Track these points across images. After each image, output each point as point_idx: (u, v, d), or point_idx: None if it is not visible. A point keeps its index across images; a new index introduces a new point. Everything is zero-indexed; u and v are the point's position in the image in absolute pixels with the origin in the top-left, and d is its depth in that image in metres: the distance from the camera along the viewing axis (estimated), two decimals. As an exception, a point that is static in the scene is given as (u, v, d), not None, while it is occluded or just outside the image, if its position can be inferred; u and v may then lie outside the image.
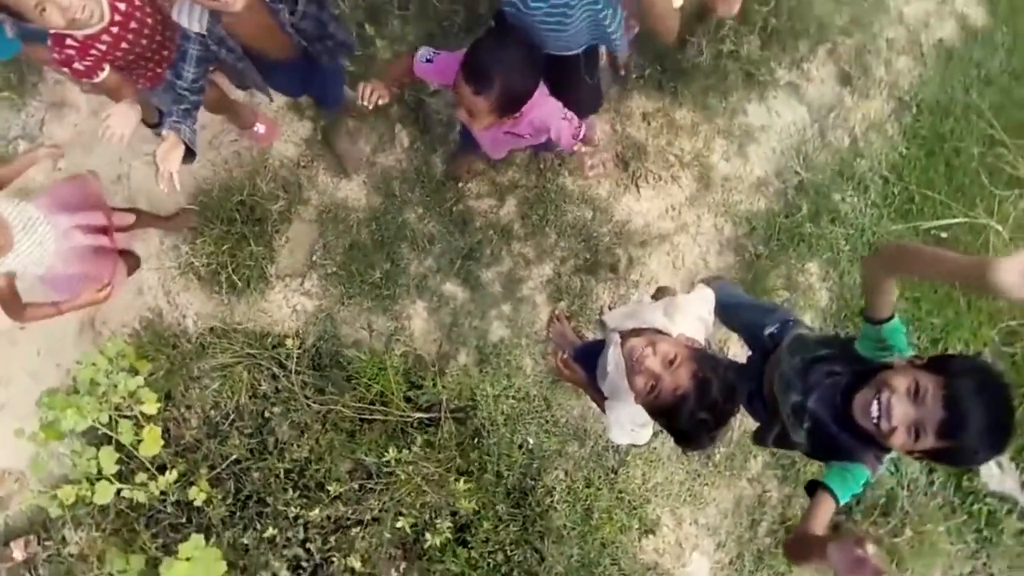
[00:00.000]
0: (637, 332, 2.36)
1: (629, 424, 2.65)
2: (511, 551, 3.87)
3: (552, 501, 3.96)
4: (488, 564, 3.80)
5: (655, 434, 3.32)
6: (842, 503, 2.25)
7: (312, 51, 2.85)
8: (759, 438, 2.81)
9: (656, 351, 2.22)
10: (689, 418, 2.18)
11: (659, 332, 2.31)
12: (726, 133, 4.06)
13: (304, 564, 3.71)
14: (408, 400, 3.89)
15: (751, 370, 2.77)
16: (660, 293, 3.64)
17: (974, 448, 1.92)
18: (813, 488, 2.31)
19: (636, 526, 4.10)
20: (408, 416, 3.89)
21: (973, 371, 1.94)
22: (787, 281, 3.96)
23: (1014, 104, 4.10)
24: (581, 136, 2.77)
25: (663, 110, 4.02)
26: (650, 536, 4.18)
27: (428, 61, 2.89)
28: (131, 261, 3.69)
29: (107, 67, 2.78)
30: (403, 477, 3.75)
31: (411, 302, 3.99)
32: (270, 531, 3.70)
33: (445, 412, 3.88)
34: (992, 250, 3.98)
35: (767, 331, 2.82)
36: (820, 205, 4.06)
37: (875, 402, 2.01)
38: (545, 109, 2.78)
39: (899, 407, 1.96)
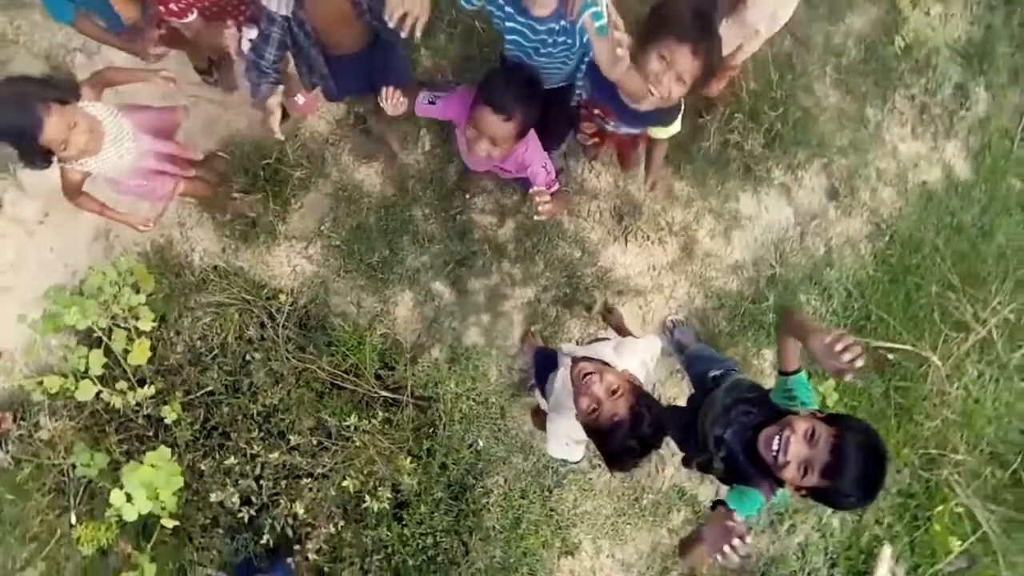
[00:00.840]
0: (588, 359, 2.83)
1: (565, 438, 3.15)
2: (440, 537, 4.32)
3: (487, 502, 4.43)
4: (417, 544, 4.27)
5: (593, 467, 4.25)
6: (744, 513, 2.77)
7: (381, 31, 3.19)
8: (686, 461, 3.38)
9: (603, 379, 2.68)
10: (620, 442, 2.65)
11: (607, 364, 2.81)
12: (716, 214, 4.64)
13: (253, 499, 4.13)
14: (378, 377, 4.36)
15: (691, 406, 3.35)
16: (611, 317, 4.32)
17: (847, 492, 2.41)
18: (715, 506, 2.87)
19: (558, 545, 4.57)
20: (375, 392, 4.31)
21: (861, 431, 2.44)
22: (742, 360, 4.48)
23: (976, 257, 4.76)
24: (553, 188, 3.30)
25: (665, 178, 4.49)
26: (568, 557, 4.64)
27: (431, 103, 3.37)
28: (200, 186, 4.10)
29: (195, 12, 3.28)
30: (358, 444, 4.18)
31: (400, 290, 4.50)
32: (230, 461, 4.10)
33: (409, 397, 4.32)
34: (929, 382, 4.66)
35: (711, 374, 3.39)
36: (786, 300, 4.61)
37: (777, 438, 2.48)
38: (533, 151, 3.32)
39: (795, 446, 2.44)
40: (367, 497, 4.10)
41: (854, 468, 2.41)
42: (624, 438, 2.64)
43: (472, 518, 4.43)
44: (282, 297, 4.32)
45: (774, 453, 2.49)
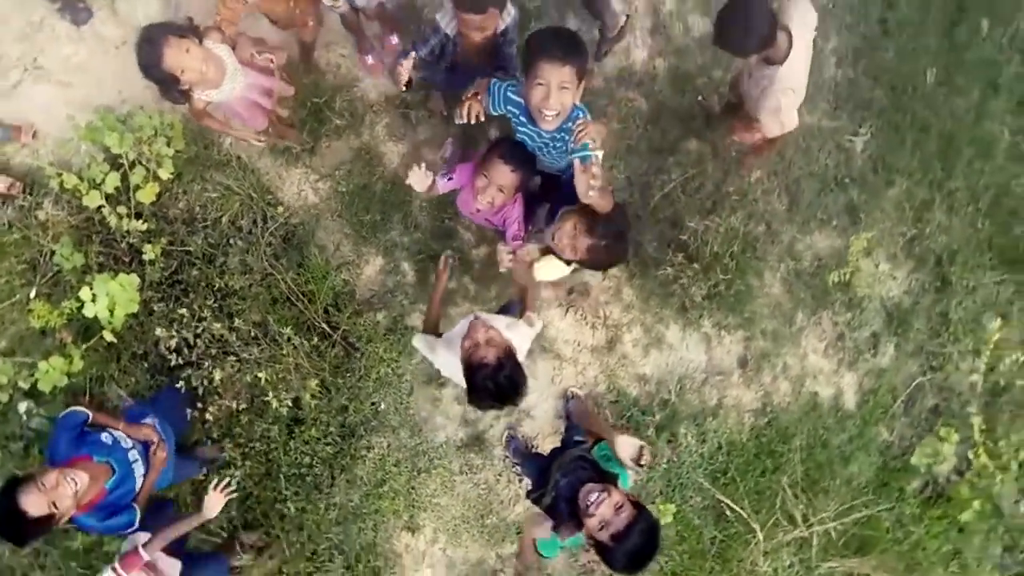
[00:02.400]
0: (486, 321, 4.03)
1: (437, 357, 4.27)
2: (317, 462, 5.54)
3: (366, 455, 5.71)
4: (295, 457, 5.50)
5: (460, 471, 5.60)
6: (544, 555, 4.01)
7: (507, 51, 4.55)
8: (528, 494, 4.68)
9: (487, 332, 3.80)
10: (481, 380, 3.69)
11: (496, 329, 4.08)
12: (646, 328, 5.97)
13: (185, 351, 5.29)
14: (325, 311, 5.64)
15: (551, 455, 4.58)
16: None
17: (621, 558, 3.41)
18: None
19: (406, 519, 5.78)
20: (317, 321, 5.54)
21: (651, 523, 3.47)
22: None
23: (828, 473, 5.98)
24: (516, 244, 4.61)
25: (619, 278, 5.86)
26: (409, 533, 5.79)
27: (449, 179, 4.67)
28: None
29: None
30: (285, 352, 5.41)
31: (375, 253, 5.80)
32: (181, 312, 5.31)
33: (341, 339, 5.58)
34: (748, 550, 5.76)
35: (577, 438, 4.61)
36: (667, 426, 5.88)
37: (596, 493, 3.49)
38: (517, 208, 4.67)
39: (605, 506, 3.45)
40: (272, 395, 5.30)
41: (634, 543, 3.42)
42: (484, 378, 3.72)
43: (348, 461, 5.69)
44: (280, 208, 5.71)
45: (589, 503, 3.51)
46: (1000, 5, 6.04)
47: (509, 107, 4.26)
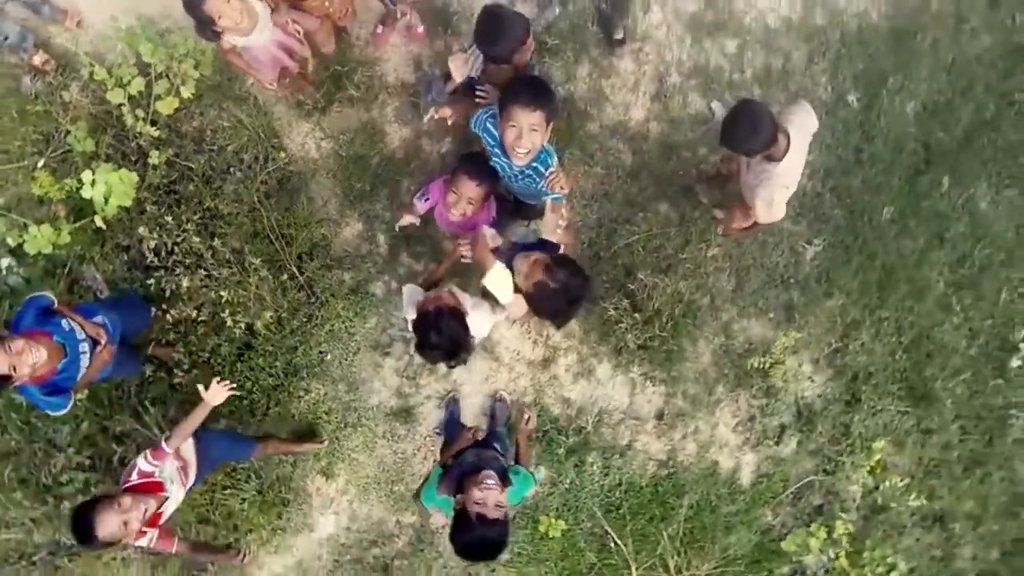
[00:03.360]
0: (451, 291, 4.68)
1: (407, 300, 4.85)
2: (256, 389, 6.03)
3: (302, 396, 6.17)
4: (237, 379, 5.90)
5: (383, 435, 6.19)
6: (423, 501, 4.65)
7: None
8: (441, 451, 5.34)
9: (441, 298, 4.38)
10: (424, 325, 4.27)
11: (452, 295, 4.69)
12: (580, 358, 6.43)
13: (163, 255, 5.79)
14: (299, 257, 6.15)
15: (475, 444, 4.95)
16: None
17: (464, 539, 3.95)
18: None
19: (323, 464, 6.22)
20: (288, 263, 6.05)
21: (503, 535, 4.00)
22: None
23: (710, 536, 6.38)
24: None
25: None
26: (323, 478, 6.26)
27: (426, 199, 5.22)
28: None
29: None
30: (251, 280, 5.91)
31: (356, 219, 6.31)
32: (168, 219, 5.82)
33: (307, 284, 6.06)
34: None
35: (498, 430, 5.47)
36: (578, 451, 6.32)
37: (493, 480, 4.04)
38: (486, 213, 5.17)
39: (491, 495, 4.01)
40: (229, 315, 5.81)
41: (485, 535, 3.95)
42: (429, 327, 4.26)
43: (285, 396, 6.17)
44: (282, 153, 6.19)
45: (484, 481, 4.05)
46: (963, 169, 6.55)
47: (486, 135, 4.70)
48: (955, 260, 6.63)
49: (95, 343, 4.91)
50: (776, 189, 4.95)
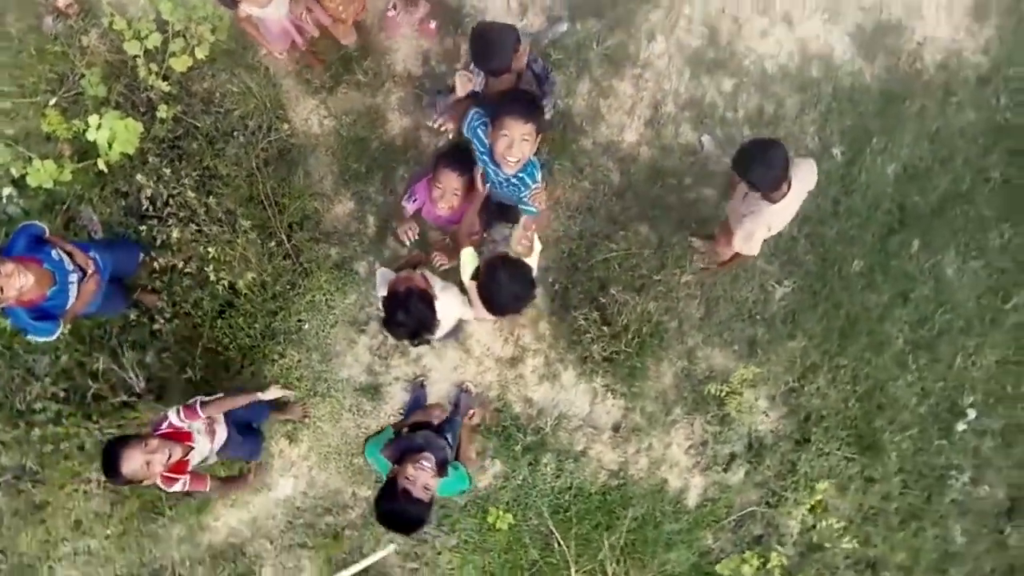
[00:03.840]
0: (422, 274, 4.93)
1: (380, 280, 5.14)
2: (232, 347, 6.26)
3: (277, 359, 6.39)
4: (216, 335, 6.22)
5: (349, 409, 6.42)
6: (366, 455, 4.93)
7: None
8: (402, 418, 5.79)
9: (412, 279, 4.67)
10: (392, 305, 4.55)
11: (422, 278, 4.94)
12: (547, 362, 6.61)
13: (156, 204, 6.09)
14: (289, 226, 6.37)
15: (435, 426, 5.13)
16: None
17: (387, 508, 4.28)
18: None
19: (288, 428, 6.47)
20: (279, 231, 6.28)
21: (419, 514, 4.30)
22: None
23: (650, 552, 6.58)
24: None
25: (540, 311, 6.54)
26: (287, 441, 6.50)
27: (414, 200, 5.35)
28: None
29: None
30: (239, 241, 6.13)
31: (349, 199, 6.52)
32: (166, 171, 6.06)
33: (294, 254, 6.28)
34: None
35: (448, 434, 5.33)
36: (534, 449, 6.52)
37: (429, 463, 4.34)
38: (470, 207, 5.30)
39: (423, 476, 4.30)
40: (213, 271, 6.00)
41: (401, 509, 4.27)
42: (396, 303, 4.54)
43: (260, 357, 6.39)
44: (285, 125, 6.45)
45: (420, 462, 4.33)
46: (934, 235, 6.76)
47: (476, 142, 4.92)
48: (916, 320, 6.83)
49: (84, 275, 5.14)
50: (759, 226, 5.23)
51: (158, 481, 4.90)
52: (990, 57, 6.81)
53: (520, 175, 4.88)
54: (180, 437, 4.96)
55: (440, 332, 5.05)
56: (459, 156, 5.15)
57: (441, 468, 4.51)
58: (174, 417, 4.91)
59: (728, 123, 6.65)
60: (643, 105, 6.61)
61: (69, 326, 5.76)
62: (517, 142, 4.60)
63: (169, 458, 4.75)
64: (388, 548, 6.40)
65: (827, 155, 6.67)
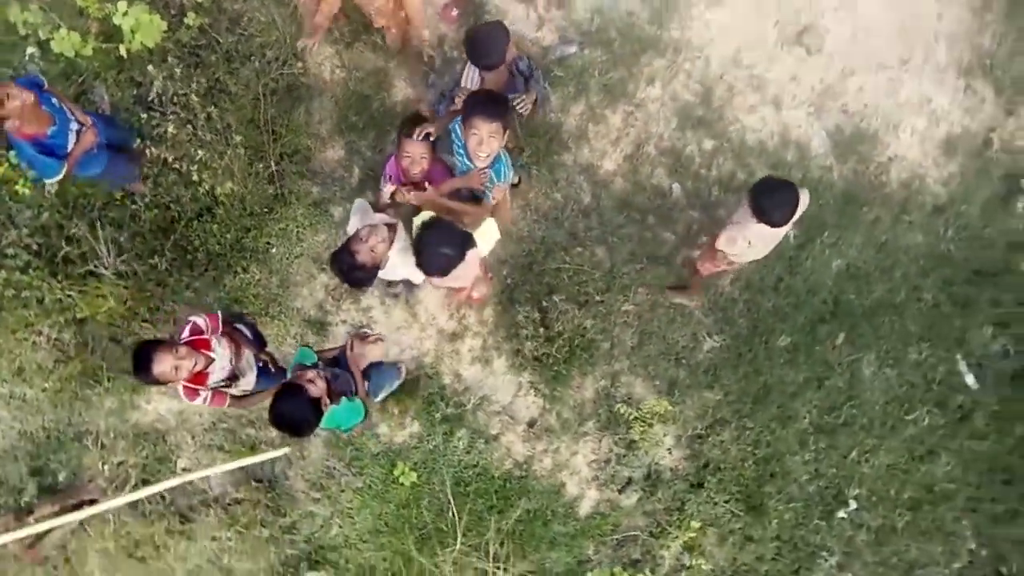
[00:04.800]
0: (394, 234, 5.36)
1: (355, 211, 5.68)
2: (200, 250, 6.69)
3: (239, 273, 6.82)
4: (189, 235, 6.69)
5: (294, 338, 6.84)
6: None
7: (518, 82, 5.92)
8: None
9: (379, 243, 5.13)
10: (343, 256, 5.11)
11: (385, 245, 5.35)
12: (483, 346, 6.94)
13: (162, 100, 6.55)
14: (281, 156, 6.80)
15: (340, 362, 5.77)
16: None
17: (277, 407, 4.85)
18: None
19: None
20: (269, 157, 6.72)
21: (306, 418, 4.91)
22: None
23: (533, 543, 6.92)
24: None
25: (490, 300, 6.90)
26: None
27: (388, 179, 5.72)
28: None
29: None
30: (229, 153, 6.53)
31: (342, 147, 6.95)
32: (179, 70, 6.45)
33: (279, 178, 6.72)
34: (445, 554, 6.66)
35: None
36: (451, 421, 6.85)
37: (312, 374, 5.01)
38: (438, 169, 5.76)
39: (314, 380, 4.96)
40: (197, 173, 6.35)
41: (287, 406, 4.81)
42: (345, 259, 5.08)
43: (224, 267, 6.81)
44: (299, 64, 6.91)
45: (303, 374, 4.99)
46: (860, 334, 7.08)
47: (454, 136, 5.42)
48: (825, 406, 7.12)
49: (82, 128, 5.55)
50: (740, 237, 5.70)
51: (181, 392, 5.27)
52: (948, 190, 7.21)
53: (488, 170, 5.40)
54: (200, 344, 5.26)
55: (391, 287, 5.68)
56: (416, 121, 5.52)
57: (336, 396, 5.09)
58: (199, 320, 5.25)
59: (700, 179, 7.02)
60: (627, 140, 7.00)
61: (55, 187, 6.18)
62: (486, 139, 5.13)
63: (195, 365, 5.07)
64: (281, 451, 6.59)
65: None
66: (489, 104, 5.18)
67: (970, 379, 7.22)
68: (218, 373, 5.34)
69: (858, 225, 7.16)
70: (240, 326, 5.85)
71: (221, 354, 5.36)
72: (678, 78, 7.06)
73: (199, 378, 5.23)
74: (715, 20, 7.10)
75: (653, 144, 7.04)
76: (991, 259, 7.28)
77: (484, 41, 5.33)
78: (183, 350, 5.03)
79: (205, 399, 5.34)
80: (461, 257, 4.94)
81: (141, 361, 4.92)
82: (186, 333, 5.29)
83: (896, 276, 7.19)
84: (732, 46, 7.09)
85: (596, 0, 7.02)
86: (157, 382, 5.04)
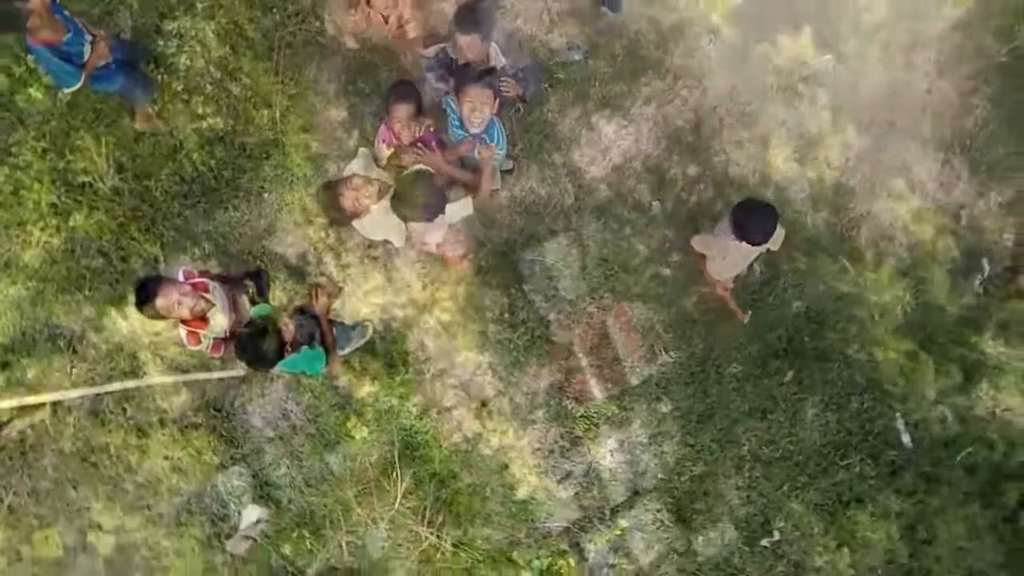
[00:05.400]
0: (381, 187, 5.57)
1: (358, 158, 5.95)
2: (196, 181, 6.97)
3: (228, 210, 7.04)
4: (190, 164, 6.90)
5: (274, 280, 6.95)
6: None
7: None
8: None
9: (366, 195, 5.42)
10: (331, 200, 5.48)
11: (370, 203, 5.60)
12: (453, 322, 7.13)
13: (182, 38, 6.84)
14: (283, 111, 6.99)
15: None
16: None
17: (240, 343, 5.23)
18: None
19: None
20: (275, 105, 6.93)
21: (261, 351, 5.23)
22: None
23: (468, 515, 7.12)
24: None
25: (467, 277, 7.14)
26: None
27: (383, 142, 5.98)
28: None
29: None
30: (237, 95, 6.95)
31: (344, 109, 7.16)
32: (198, 5, 6.82)
33: (280, 126, 6.94)
34: (385, 507, 6.89)
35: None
36: (406, 386, 7.07)
37: (299, 318, 5.54)
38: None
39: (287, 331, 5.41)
40: (202, 105, 6.76)
41: (252, 344, 5.13)
42: (331, 200, 5.43)
43: (217, 201, 7.02)
44: (317, 23, 7.13)
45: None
46: (808, 376, 7.21)
47: (449, 110, 5.85)
48: (765, 438, 7.29)
49: (96, 39, 5.74)
50: (718, 249, 6.20)
51: (184, 336, 5.50)
52: (913, 256, 7.43)
53: (483, 136, 5.78)
54: (200, 287, 5.47)
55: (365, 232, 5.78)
56: (401, 91, 5.85)
57: (298, 344, 5.36)
58: (190, 265, 5.66)
59: (680, 201, 7.24)
60: (616, 151, 7.22)
61: (68, 96, 6.43)
62: (479, 105, 5.56)
63: (194, 307, 5.31)
64: (236, 372, 6.80)
65: (751, 268, 7.18)
66: (478, 75, 5.55)
67: (906, 438, 7.40)
68: (218, 318, 5.53)
69: (823, 273, 7.33)
70: (247, 281, 5.97)
71: (220, 298, 5.54)
72: (673, 103, 7.30)
73: (200, 323, 5.43)
74: (717, 55, 7.35)
75: (640, 161, 7.26)
76: (944, 328, 7.49)
77: (474, 11, 5.66)
78: (185, 287, 5.30)
79: (207, 345, 5.54)
80: (441, 208, 5.28)
81: (146, 292, 5.16)
82: (180, 276, 5.49)
83: (852, 330, 7.38)
84: (729, 82, 7.34)
85: (608, 15, 7.27)
86: (159, 315, 5.26)
